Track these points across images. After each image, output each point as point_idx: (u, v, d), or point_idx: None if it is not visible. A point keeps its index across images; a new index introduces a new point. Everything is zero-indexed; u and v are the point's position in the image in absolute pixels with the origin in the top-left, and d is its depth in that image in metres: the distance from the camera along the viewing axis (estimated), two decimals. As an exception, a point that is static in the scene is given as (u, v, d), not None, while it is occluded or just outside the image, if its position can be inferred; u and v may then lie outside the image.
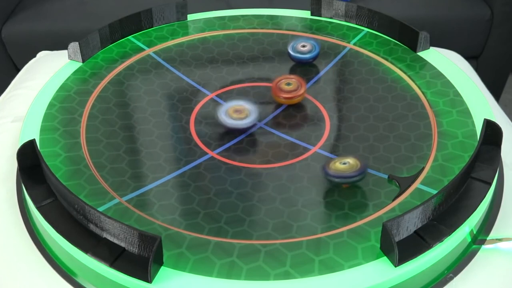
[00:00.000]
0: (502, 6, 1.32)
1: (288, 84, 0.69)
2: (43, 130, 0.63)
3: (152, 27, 0.84)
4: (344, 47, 0.80)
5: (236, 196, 0.56)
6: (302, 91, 0.69)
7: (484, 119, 0.58)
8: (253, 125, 0.66)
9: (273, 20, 0.85)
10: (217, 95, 0.71)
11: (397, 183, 0.57)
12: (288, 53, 0.75)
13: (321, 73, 0.75)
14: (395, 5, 1.33)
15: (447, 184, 0.52)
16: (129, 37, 0.82)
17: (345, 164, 0.56)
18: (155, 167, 0.60)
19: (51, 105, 0.67)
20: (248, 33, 0.83)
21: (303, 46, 0.75)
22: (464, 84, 0.69)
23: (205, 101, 0.70)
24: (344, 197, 0.56)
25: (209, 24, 0.85)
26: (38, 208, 0.53)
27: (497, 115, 0.72)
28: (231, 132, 0.65)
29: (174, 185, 0.58)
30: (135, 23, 0.82)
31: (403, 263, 0.47)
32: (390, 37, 0.80)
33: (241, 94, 0.71)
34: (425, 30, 0.76)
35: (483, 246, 0.54)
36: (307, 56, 0.75)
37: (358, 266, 0.48)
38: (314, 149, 0.63)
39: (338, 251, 0.49)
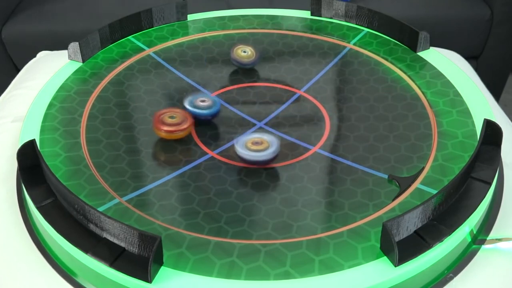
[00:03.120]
0: (502, 6, 1.32)
1: (172, 117, 0.63)
2: (43, 130, 0.63)
3: (152, 27, 0.84)
4: (344, 47, 0.80)
5: (236, 196, 0.56)
6: (186, 125, 0.63)
7: (484, 119, 0.58)
8: (274, 157, 0.59)
9: (273, 20, 0.85)
10: (217, 95, 0.71)
11: (397, 183, 0.57)
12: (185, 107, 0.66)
13: (321, 73, 0.75)
14: (395, 5, 1.33)
15: (447, 184, 0.52)
16: (129, 37, 0.82)
17: (245, 53, 0.72)
18: (155, 167, 0.60)
19: (51, 105, 0.67)
20: (248, 33, 0.83)
21: (202, 101, 0.66)
22: (464, 84, 0.69)
23: (205, 101, 0.70)
24: (344, 197, 0.56)
25: (209, 24, 0.85)
26: (38, 208, 0.53)
27: (497, 115, 0.72)
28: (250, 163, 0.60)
29: (174, 185, 0.58)
30: (135, 23, 0.82)
31: (403, 263, 0.47)
32: (390, 37, 0.80)
33: (241, 94, 0.71)
34: (425, 30, 0.76)
35: (483, 246, 0.54)
36: (205, 112, 0.65)
37: (358, 266, 0.48)
38: (314, 149, 0.63)
39: (338, 251, 0.49)
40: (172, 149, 0.63)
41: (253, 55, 0.74)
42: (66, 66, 0.75)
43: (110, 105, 0.69)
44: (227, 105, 0.70)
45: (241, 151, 0.59)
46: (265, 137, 0.60)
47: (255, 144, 0.59)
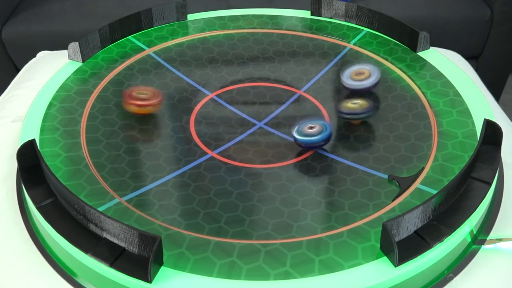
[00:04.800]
0: (502, 6, 1.32)
1: (142, 93, 0.66)
2: (43, 130, 0.63)
3: (152, 27, 0.84)
4: (344, 47, 0.80)
5: (236, 196, 0.56)
6: (156, 100, 0.64)
7: (484, 119, 0.58)
8: (376, 84, 0.68)
9: (273, 20, 0.85)
10: (217, 95, 0.72)
11: (397, 183, 0.57)
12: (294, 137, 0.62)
13: (321, 73, 0.75)
14: (395, 5, 1.33)
15: (447, 184, 0.52)
16: (129, 37, 0.82)
17: (355, 104, 0.65)
18: (155, 167, 0.60)
19: (51, 105, 0.67)
20: (248, 33, 0.83)
21: (311, 127, 0.62)
22: (464, 84, 0.69)
23: (205, 101, 0.70)
24: (344, 197, 0.56)
25: (209, 24, 0.85)
26: (38, 208, 0.53)
27: (497, 115, 0.71)
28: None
29: (174, 185, 0.58)
30: (135, 23, 0.82)
31: (403, 263, 0.47)
32: (390, 37, 0.80)
33: (241, 94, 0.71)
34: (425, 30, 0.76)
35: (483, 246, 0.54)
36: (317, 138, 0.61)
37: (358, 266, 0.48)
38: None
39: (338, 251, 0.49)
40: (172, 149, 0.63)
41: (366, 104, 0.66)
42: (66, 66, 0.75)
43: (110, 105, 0.69)
44: (227, 105, 0.70)
45: (347, 81, 0.68)
46: (367, 67, 0.70)
47: (358, 75, 0.69)
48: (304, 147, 0.62)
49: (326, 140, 0.61)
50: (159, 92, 0.65)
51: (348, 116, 0.65)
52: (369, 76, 0.69)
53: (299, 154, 0.62)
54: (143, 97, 0.64)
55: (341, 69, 0.71)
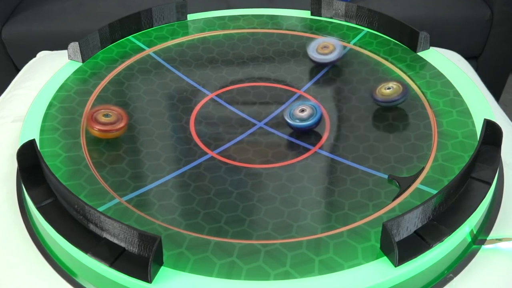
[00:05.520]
0: (502, 6, 1.32)
1: (107, 115, 0.62)
2: (43, 130, 0.63)
3: (152, 27, 0.84)
4: (344, 47, 0.80)
5: (236, 196, 0.56)
6: (121, 124, 0.61)
7: (484, 119, 0.58)
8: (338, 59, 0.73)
9: (273, 20, 0.85)
10: (217, 95, 0.72)
11: (397, 183, 0.57)
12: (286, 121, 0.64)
13: (321, 73, 0.75)
14: (395, 5, 1.33)
15: (447, 184, 0.52)
16: (129, 37, 0.82)
17: (389, 89, 0.66)
18: (155, 167, 0.60)
19: (51, 105, 0.67)
20: (248, 33, 0.83)
21: (302, 110, 0.64)
22: (464, 84, 0.69)
23: (205, 101, 0.70)
24: (344, 197, 0.56)
25: (209, 24, 0.85)
26: (38, 208, 0.53)
27: (497, 115, 0.71)
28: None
29: (174, 185, 0.58)
30: (135, 23, 0.82)
31: (403, 263, 0.47)
32: (390, 37, 0.80)
33: (241, 94, 0.71)
34: (425, 30, 0.76)
35: (483, 246, 0.54)
36: (307, 123, 0.64)
37: (358, 266, 0.48)
38: (314, 149, 0.63)
39: (338, 251, 0.49)
40: (172, 149, 0.63)
41: (399, 89, 0.66)
42: (66, 66, 0.75)
43: (110, 105, 0.69)
44: (227, 105, 0.70)
45: (313, 54, 0.72)
46: (332, 41, 0.74)
47: (324, 48, 0.73)
48: (296, 131, 0.65)
49: (318, 122, 0.64)
50: (124, 114, 0.62)
51: (383, 104, 0.67)
52: (333, 50, 0.74)
53: (299, 154, 0.62)
54: (108, 121, 0.60)
55: (307, 42, 0.76)
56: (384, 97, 0.66)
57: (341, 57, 0.75)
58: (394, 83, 0.67)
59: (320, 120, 0.64)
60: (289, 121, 0.63)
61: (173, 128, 0.66)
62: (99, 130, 0.60)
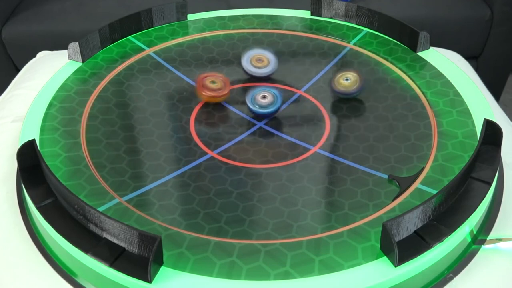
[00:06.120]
0: (502, 6, 1.32)
1: (213, 82, 0.69)
2: (43, 130, 0.63)
3: (152, 27, 0.84)
4: (344, 47, 0.80)
5: (236, 196, 0.56)
6: (226, 91, 0.69)
7: (484, 119, 0.58)
8: (272, 74, 0.71)
9: (273, 20, 0.85)
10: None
11: (397, 183, 0.57)
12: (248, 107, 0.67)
13: (321, 73, 0.75)
14: (395, 5, 1.33)
15: (447, 184, 0.52)
16: (129, 37, 0.82)
17: (347, 81, 0.67)
18: (155, 167, 0.60)
19: (51, 105, 0.67)
20: (248, 33, 0.83)
21: (263, 97, 0.66)
22: (464, 84, 0.69)
23: (205, 101, 0.70)
24: (344, 197, 0.56)
25: (209, 24, 0.85)
26: (38, 208, 0.53)
27: (497, 115, 0.71)
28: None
29: (174, 185, 0.58)
30: (135, 23, 0.82)
31: (403, 263, 0.47)
32: (390, 37, 0.80)
33: (241, 94, 0.71)
34: (425, 30, 0.76)
35: (483, 246, 0.54)
36: (268, 110, 0.66)
37: (358, 266, 0.48)
38: (314, 149, 0.63)
39: (338, 251, 0.49)
40: (172, 149, 0.63)
41: (357, 80, 0.68)
42: (66, 66, 0.75)
43: (110, 105, 0.69)
44: (227, 105, 0.70)
45: (246, 65, 0.70)
46: (267, 54, 0.72)
47: (258, 61, 0.71)
48: (256, 116, 0.67)
49: (277, 110, 0.66)
50: (228, 81, 0.69)
51: (341, 96, 0.69)
52: (268, 64, 0.72)
53: (299, 154, 0.62)
54: (214, 88, 0.68)
55: (242, 52, 0.73)
56: (342, 89, 0.68)
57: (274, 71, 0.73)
58: (353, 73, 0.68)
59: (279, 109, 0.66)
60: (249, 105, 0.66)
61: (173, 128, 0.66)
62: (208, 95, 0.68)
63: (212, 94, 0.68)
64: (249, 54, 0.72)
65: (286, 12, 0.87)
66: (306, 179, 0.58)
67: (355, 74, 0.68)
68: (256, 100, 0.65)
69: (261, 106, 0.65)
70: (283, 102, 0.67)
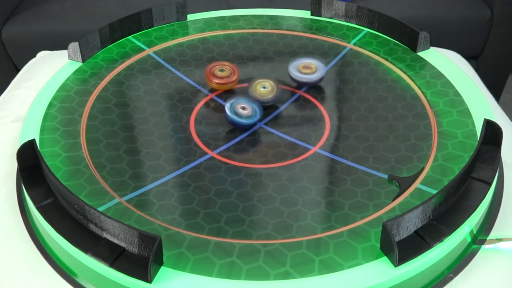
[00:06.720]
0: (502, 6, 1.32)
1: (222, 70, 0.71)
2: (43, 130, 0.63)
3: (152, 27, 0.84)
4: (344, 47, 0.80)
5: (236, 196, 0.56)
6: (234, 77, 0.71)
7: (484, 119, 0.58)
8: (320, 79, 0.71)
9: (273, 20, 0.85)
10: (217, 95, 0.71)
11: (397, 183, 0.57)
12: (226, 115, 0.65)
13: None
14: (395, 5, 1.33)
15: (447, 184, 0.52)
16: (129, 37, 0.82)
17: (265, 88, 0.67)
18: (155, 167, 0.60)
19: (51, 105, 0.67)
20: (248, 33, 0.83)
21: (243, 108, 0.65)
22: (464, 84, 0.69)
23: (205, 101, 0.70)
24: (344, 197, 0.56)
25: (209, 24, 0.85)
26: (38, 208, 0.53)
27: (497, 115, 0.72)
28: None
29: (174, 185, 0.58)
30: (135, 23, 0.82)
31: (403, 263, 0.47)
32: (390, 37, 0.80)
33: (241, 94, 0.71)
34: (425, 30, 0.76)
35: (483, 246, 0.54)
36: (244, 121, 0.65)
37: (358, 266, 0.48)
38: (314, 149, 0.63)
39: (338, 251, 0.49)
40: (172, 149, 0.63)
41: (274, 89, 0.68)
42: (66, 66, 0.75)
43: (110, 105, 0.69)
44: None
45: (294, 73, 0.70)
46: (314, 62, 0.72)
47: (305, 68, 0.71)
48: (230, 123, 0.65)
49: (252, 125, 0.65)
50: (236, 69, 0.72)
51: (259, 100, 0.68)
52: (315, 71, 0.71)
53: (299, 154, 0.62)
54: (223, 75, 0.71)
55: (290, 60, 0.74)
56: (258, 96, 0.67)
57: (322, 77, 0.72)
58: (270, 82, 0.68)
59: (256, 123, 0.65)
60: (227, 112, 0.64)
61: (173, 128, 0.66)
62: (217, 83, 0.71)
63: (221, 81, 0.71)
64: (295, 64, 0.72)
65: (286, 12, 0.87)
66: (306, 179, 0.58)
67: (272, 83, 0.68)
68: (235, 108, 0.65)
69: (239, 116, 0.64)
70: (261, 118, 0.66)
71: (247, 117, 0.64)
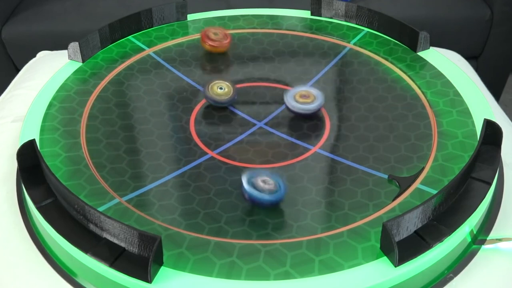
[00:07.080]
0: (502, 6, 1.32)
1: (216, 34, 0.77)
2: (43, 130, 0.63)
3: (152, 27, 0.84)
4: (344, 47, 0.80)
5: (236, 196, 0.56)
6: (226, 41, 0.77)
7: (484, 119, 0.58)
8: (319, 109, 0.67)
9: (273, 20, 0.85)
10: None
11: (397, 183, 0.57)
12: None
13: (321, 73, 0.75)
14: (395, 5, 1.33)
15: (447, 184, 0.52)
16: (129, 37, 0.82)
17: (221, 89, 0.68)
18: (155, 167, 0.60)
19: (51, 105, 0.67)
20: (248, 33, 0.83)
21: (263, 181, 0.54)
22: (464, 84, 0.69)
23: (205, 101, 0.70)
24: (344, 197, 0.56)
25: (209, 24, 0.85)
26: (38, 208, 0.53)
27: (497, 115, 0.71)
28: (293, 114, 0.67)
29: (174, 185, 0.58)
30: (135, 23, 0.82)
31: (403, 263, 0.47)
32: (390, 37, 0.80)
33: (241, 94, 0.71)
34: (425, 30, 0.76)
35: (483, 246, 0.54)
36: (267, 198, 0.54)
37: (358, 266, 0.48)
38: (314, 149, 0.63)
39: (338, 251, 0.49)
40: (172, 149, 0.63)
41: (230, 91, 0.68)
42: (66, 66, 0.75)
43: (110, 105, 0.69)
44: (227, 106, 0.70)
45: (291, 102, 0.66)
46: (312, 90, 0.67)
47: (303, 97, 0.66)
48: (250, 200, 0.54)
49: (277, 202, 0.54)
50: (229, 35, 0.78)
51: (213, 103, 0.68)
52: (314, 100, 0.66)
53: (299, 154, 0.62)
54: (216, 39, 0.77)
55: (286, 90, 0.68)
56: (214, 96, 0.68)
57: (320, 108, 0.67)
58: (227, 84, 0.69)
59: (280, 200, 0.54)
60: (246, 187, 0.53)
61: (173, 128, 0.66)
62: (211, 45, 0.77)
63: (215, 44, 0.76)
64: (292, 92, 0.67)
65: (286, 12, 0.87)
66: (306, 179, 0.58)
67: (229, 85, 0.69)
68: (254, 182, 0.54)
69: (260, 190, 0.53)
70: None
71: (271, 192, 0.53)
